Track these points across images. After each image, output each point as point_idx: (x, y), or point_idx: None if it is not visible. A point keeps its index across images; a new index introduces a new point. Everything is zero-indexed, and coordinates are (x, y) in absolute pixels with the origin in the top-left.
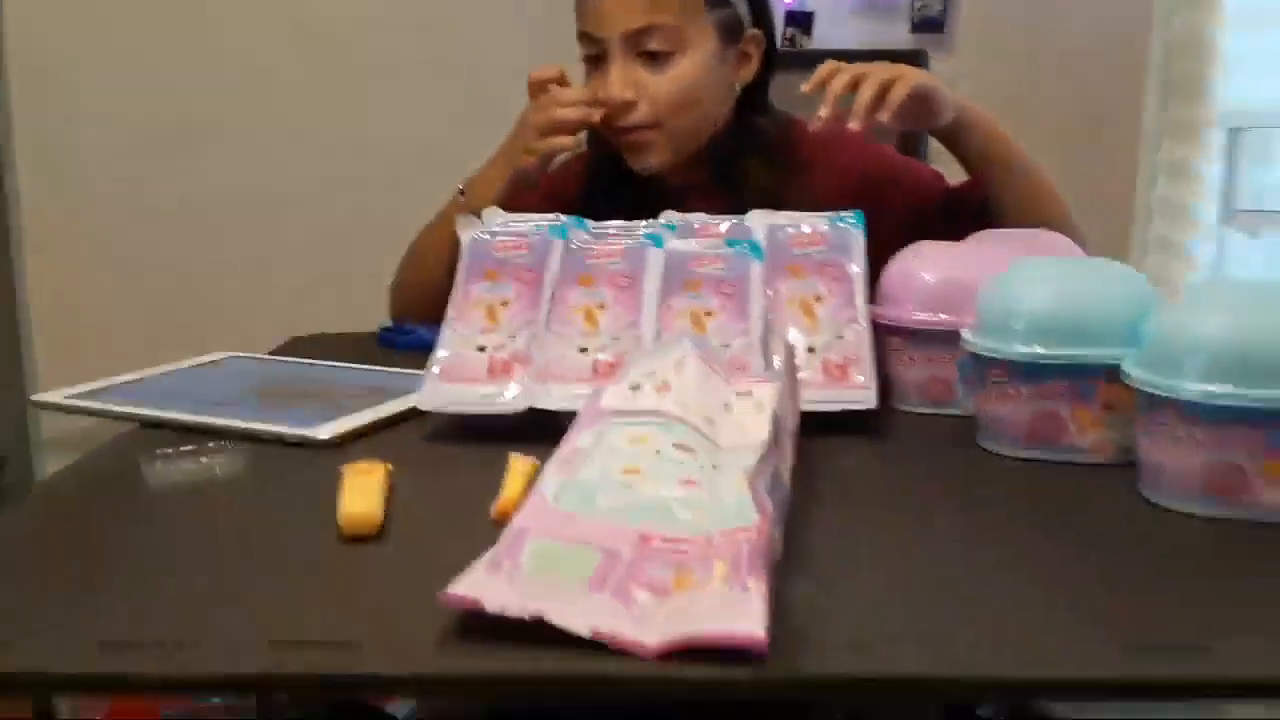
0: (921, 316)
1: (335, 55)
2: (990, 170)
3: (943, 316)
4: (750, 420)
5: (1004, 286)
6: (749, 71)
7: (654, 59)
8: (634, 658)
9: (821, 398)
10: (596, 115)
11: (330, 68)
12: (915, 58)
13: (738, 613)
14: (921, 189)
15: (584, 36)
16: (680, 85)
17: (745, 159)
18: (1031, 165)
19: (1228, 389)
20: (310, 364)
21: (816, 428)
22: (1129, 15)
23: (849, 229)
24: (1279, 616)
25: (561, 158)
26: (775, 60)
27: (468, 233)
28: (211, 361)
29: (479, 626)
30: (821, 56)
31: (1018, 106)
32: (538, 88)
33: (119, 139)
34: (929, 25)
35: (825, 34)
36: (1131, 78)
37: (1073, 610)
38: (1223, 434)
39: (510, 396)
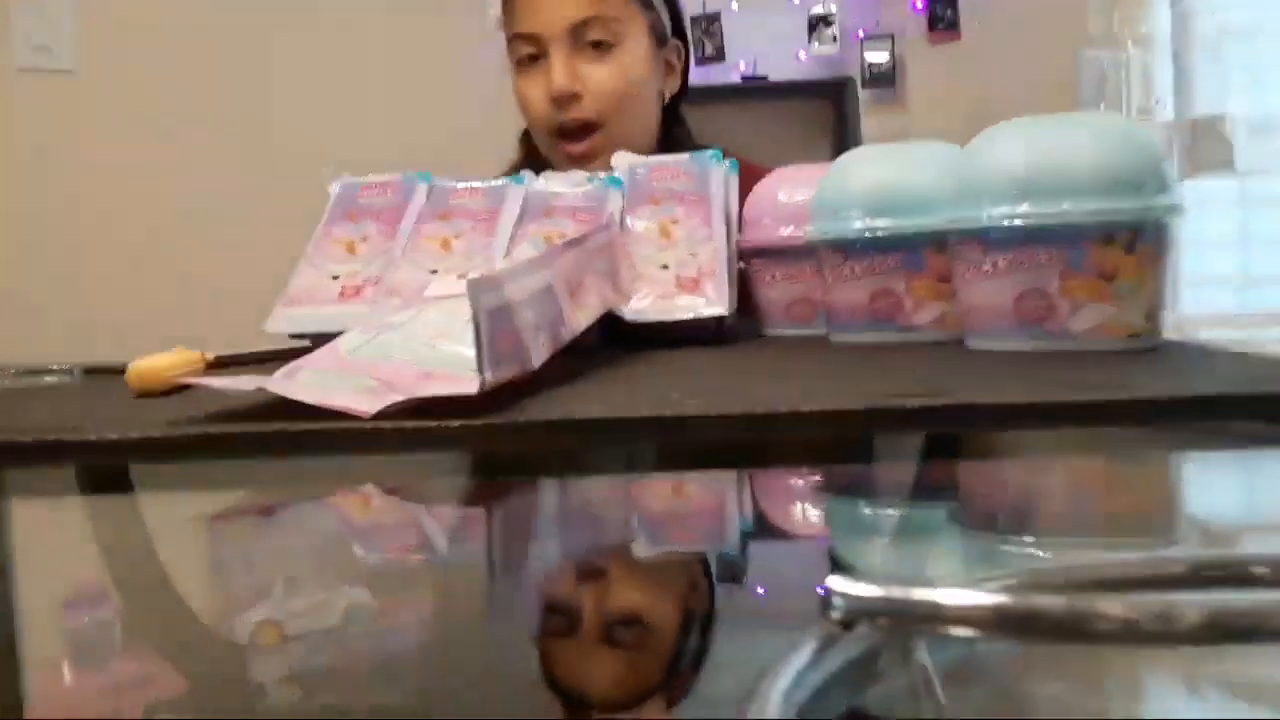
0: (778, 233)
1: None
2: None
3: (797, 230)
4: None
5: (835, 174)
6: (674, 82)
7: (595, 50)
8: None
9: (671, 307)
10: None
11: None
12: (843, 85)
13: (457, 379)
14: None
15: (520, 38)
16: (621, 77)
17: None
18: None
19: (1023, 208)
20: None
21: (676, 343)
22: (1058, 78)
23: (710, 163)
24: (995, 387)
25: None
26: (689, 75)
27: (336, 184)
28: None
29: (221, 414)
30: (774, 88)
31: None
32: None
33: (100, 155)
34: (879, 81)
35: None
36: None
37: (812, 379)
38: (1024, 258)
39: (354, 312)
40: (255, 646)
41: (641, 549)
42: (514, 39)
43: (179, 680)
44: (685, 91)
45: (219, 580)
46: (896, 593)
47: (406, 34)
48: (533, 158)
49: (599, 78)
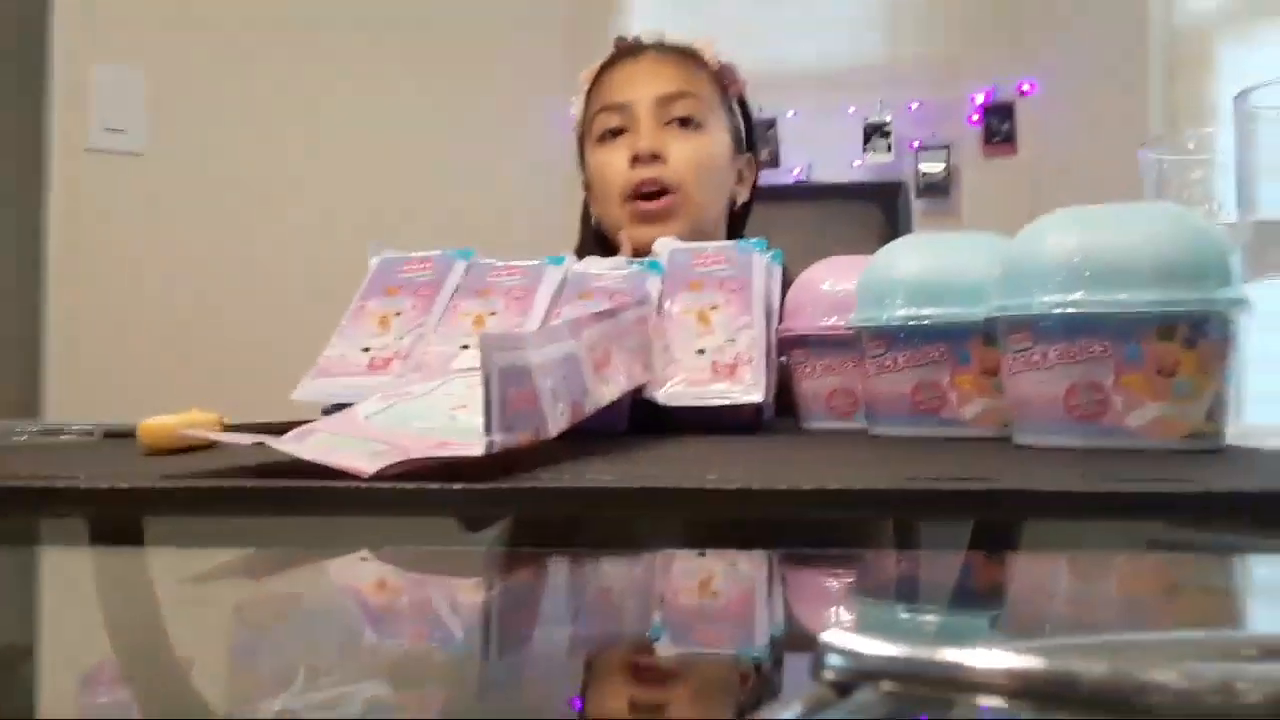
0: (820, 322)
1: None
2: None
3: (838, 320)
4: None
5: (880, 261)
6: (743, 191)
7: (680, 127)
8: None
9: (705, 393)
10: None
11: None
12: (895, 189)
13: (459, 443)
14: None
15: (608, 110)
16: (703, 153)
17: None
18: None
19: (1076, 296)
20: None
21: (710, 430)
22: (1118, 188)
23: (752, 251)
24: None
25: None
26: (755, 194)
27: (377, 257)
28: None
29: (221, 471)
30: (822, 190)
31: None
32: None
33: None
34: (933, 190)
35: None
36: None
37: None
38: (1077, 349)
39: (380, 384)
40: None
41: (664, 645)
42: (601, 111)
43: None
44: (750, 209)
45: (236, 664)
46: (906, 651)
47: (462, 120)
48: (593, 243)
49: (682, 150)
